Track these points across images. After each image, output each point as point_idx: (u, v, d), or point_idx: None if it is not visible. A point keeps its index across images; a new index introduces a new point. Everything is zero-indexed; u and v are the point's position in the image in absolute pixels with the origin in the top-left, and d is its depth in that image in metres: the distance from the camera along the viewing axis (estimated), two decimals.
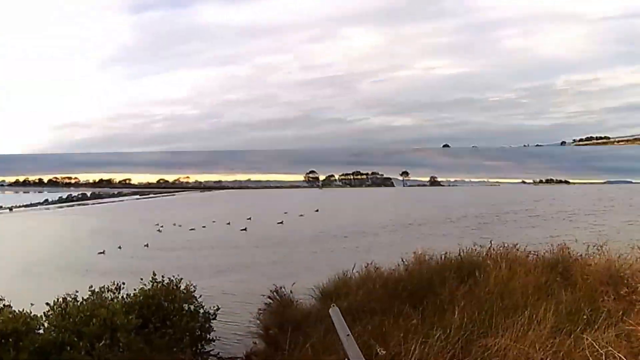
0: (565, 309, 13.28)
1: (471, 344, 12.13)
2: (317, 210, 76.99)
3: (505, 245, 20.61)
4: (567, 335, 11.85)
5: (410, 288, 17.20)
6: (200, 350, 16.97)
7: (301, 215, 72.60)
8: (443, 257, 20.42)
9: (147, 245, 57.30)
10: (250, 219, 69.71)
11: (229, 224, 69.98)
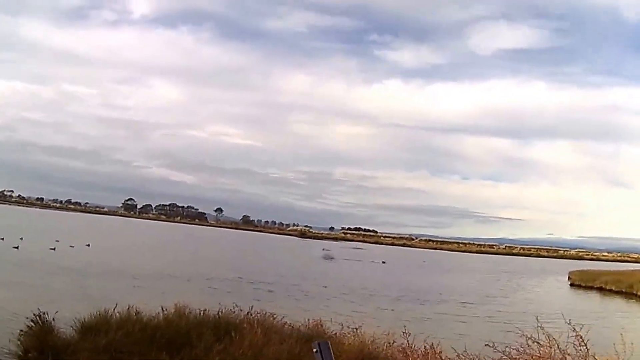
0: None
1: None
2: (88, 245, 74.92)
3: (264, 312, 21.53)
4: None
5: (169, 337, 17.41)
6: None
7: (72, 247, 70.11)
8: (202, 312, 20.77)
9: None
10: (22, 239, 67.39)
11: (2, 239, 67.02)
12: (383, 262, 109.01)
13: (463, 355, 14.07)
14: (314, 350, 2.73)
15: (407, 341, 16.26)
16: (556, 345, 11.97)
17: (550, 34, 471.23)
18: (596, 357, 11.54)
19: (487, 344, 13.88)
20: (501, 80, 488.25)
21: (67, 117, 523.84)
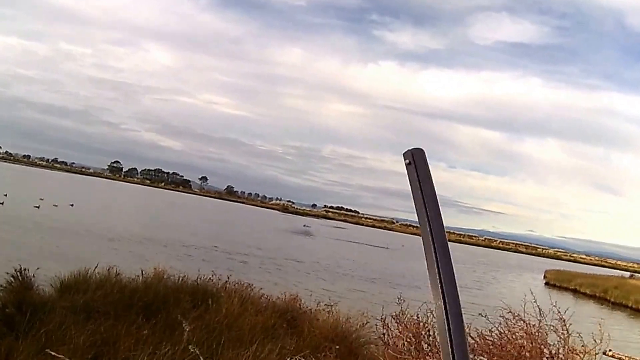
0: (289, 353, 14.06)
1: None
2: (72, 205, 74.95)
3: (241, 282, 21.98)
4: None
5: (146, 300, 17.59)
6: None
7: (55, 206, 70.10)
8: (180, 278, 21.05)
9: None
10: (6, 195, 67.21)
11: None
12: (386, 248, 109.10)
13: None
14: (406, 161, 2.33)
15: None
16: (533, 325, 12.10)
17: (552, 31, 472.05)
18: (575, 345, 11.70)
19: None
20: (497, 72, 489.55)
21: (60, 76, 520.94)
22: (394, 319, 13.97)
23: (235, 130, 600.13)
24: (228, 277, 21.87)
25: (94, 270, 19.59)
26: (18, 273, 17.47)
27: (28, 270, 17.69)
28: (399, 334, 13.38)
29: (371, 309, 18.91)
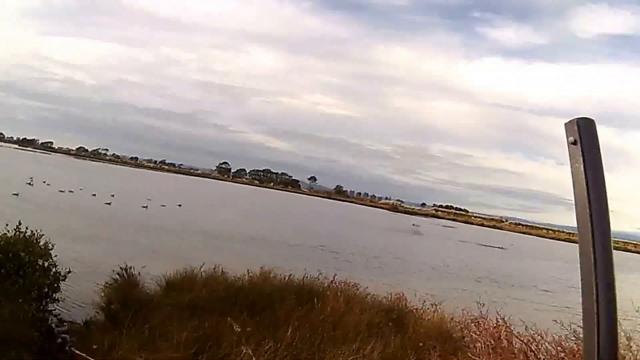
0: (393, 351, 13.85)
1: None
2: (179, 205, 76.39)
3: (347, 281, 21.83)
4: None
5: (251, 299, 17.71)
6: (44, 307, 16.72)
7: (163, 206, 71.68)
8: (287, 278, 21.13)
9: (16, 195, 56.90)
10: (113, 195, 69.03)
11: (94, 195, 69.05)
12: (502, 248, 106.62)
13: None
14: (570, 139, 1.70)
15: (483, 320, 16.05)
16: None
17: None
18: None
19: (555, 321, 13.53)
20: (601, 65, 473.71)
21: (165, 81, 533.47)
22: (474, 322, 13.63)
23: (342, 131, 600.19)
24: (334, 276, 21.82)
25: (200, 269, 19.85)
26: (124, 271, 17.82)
27: (133, 269, 18.02)
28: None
29: (476, 308, 18.52)
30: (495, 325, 13.04)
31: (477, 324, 13.65)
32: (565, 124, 1.96)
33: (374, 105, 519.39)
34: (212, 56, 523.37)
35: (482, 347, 12.55)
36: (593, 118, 1.89)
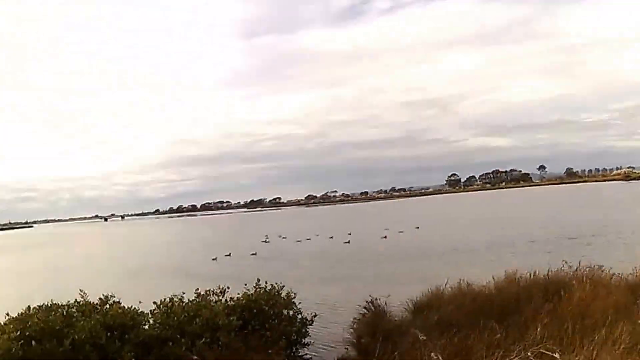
0: None
1: None
2: (417, 227, 77.57)
3: (592, 266, 21.34)
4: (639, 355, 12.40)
5: (499, 304, 17.96)
6: (294, 353, 17.80)
7: (400, 232, 73.18)
8: (531, 275, 21.11)
9: (254, 254, 60.87)
10: (350, 234, 70.94)
11: (332, 237, 71.72)
12: None
13: None
14: None
15: None
16: None
17: None
18: None
19: None
20: None
21: (373, 110, 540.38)
22: None
23: (557, 110, 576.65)
24: (578, 264, 21.33)
25: (445, 285, 20.43)
26: (369, 304, 18.77)
27: (379, 299, 18.94)
28: None
29: None
30: None
31: None
32: None
33: (578, 77, 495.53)
34: (408, 74, 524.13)
35: None
36: None
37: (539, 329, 14.09)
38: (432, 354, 12.89)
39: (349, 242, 66.54)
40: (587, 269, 20.93)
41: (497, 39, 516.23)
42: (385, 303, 19.04)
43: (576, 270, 20.94)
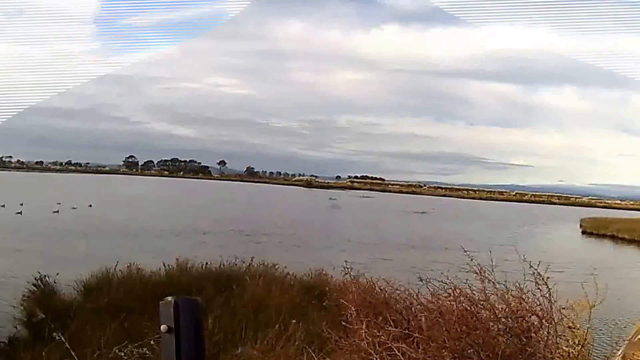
0: (316, 330, 13.79)
1: (223, 353, 12.50)
2: (90, 205, 75.11)
3: (265, 263, 21.76)
4: (314, 354, 12.34)
5: (170, 292, 17.39)
6: None
7: (74, 208, 70.69)
8: (203, 267, 21.30)
9: None
10: (22, 204, 67.61)
11: (3, 206, 67.36)
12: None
13: None
14: (167, 313, 1.85)
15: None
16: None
17: None
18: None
19: None
20: (503, 24, 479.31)
21: (60, 78, 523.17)
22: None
23: (247, 110, 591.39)
24: (251, 260, 21.76)
25: (115, 268, 19.63)
26: (38, 281, 17.49)
27: (48, 277, 17.70)
28: None
29: (398, 276, 18.60)
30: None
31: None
32: (160, 303, 1.63)
33: (276, 82, 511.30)
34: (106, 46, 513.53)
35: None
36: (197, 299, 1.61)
37: (210, 321, 13.71)
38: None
39: (20, 212, 62.48)
40: (260, 266, 21.37)
41: (195, 30, 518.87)
42: (55, 282, 17.85)
43: (249, 265, 21.36)
